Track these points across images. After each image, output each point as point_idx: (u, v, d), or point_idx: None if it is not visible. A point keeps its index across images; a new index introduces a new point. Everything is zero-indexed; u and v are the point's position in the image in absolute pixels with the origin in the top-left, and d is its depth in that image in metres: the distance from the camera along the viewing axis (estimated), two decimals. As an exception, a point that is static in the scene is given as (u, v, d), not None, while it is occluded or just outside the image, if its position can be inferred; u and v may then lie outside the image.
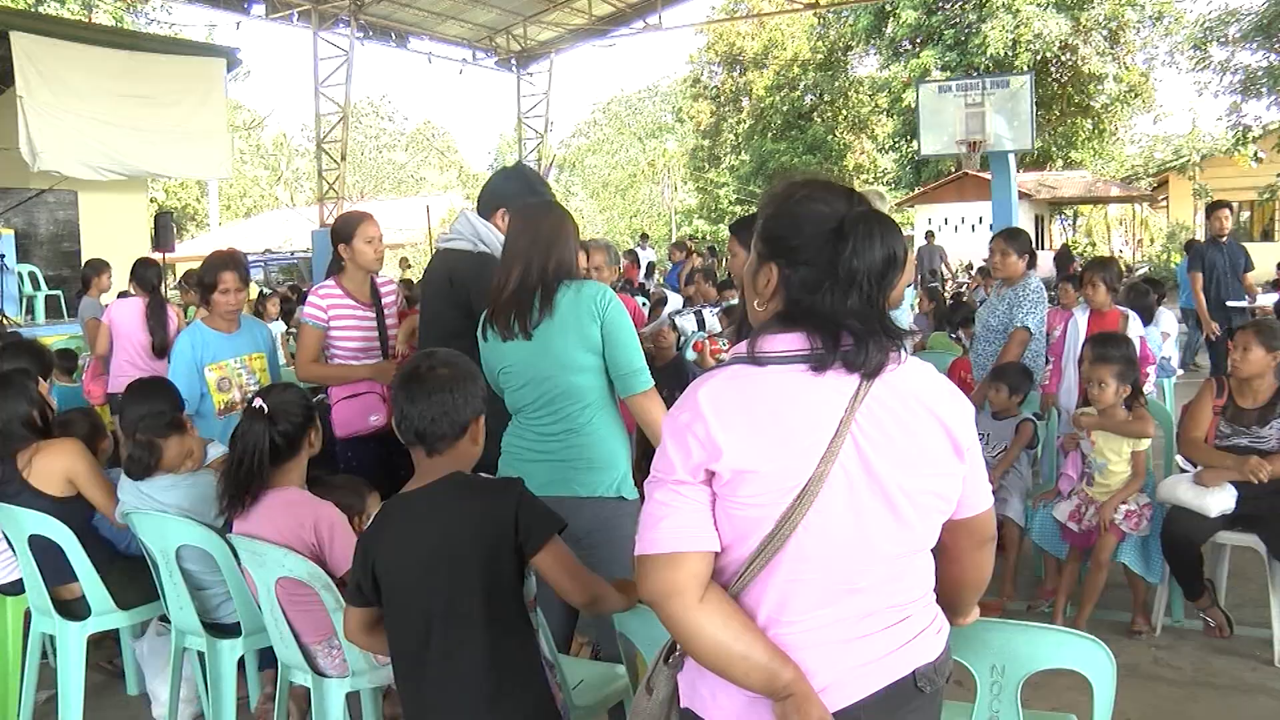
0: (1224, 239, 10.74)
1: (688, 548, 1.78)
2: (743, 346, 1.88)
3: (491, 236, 4.15)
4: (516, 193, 4.22)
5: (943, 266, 23.15)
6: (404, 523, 2.58)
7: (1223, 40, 31.63)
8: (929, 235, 26.29)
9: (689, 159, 52.59)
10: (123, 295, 8.67)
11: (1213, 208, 11.10)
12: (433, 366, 2.62)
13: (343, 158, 21.37)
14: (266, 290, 15.51)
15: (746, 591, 1.84)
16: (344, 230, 4.89)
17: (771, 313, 1.91)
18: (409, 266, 26.20)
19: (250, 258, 22.04)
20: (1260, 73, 30.67)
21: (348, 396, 4.78)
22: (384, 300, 5.01)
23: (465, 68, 24.83)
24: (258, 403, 3.48)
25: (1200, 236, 35.07)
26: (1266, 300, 11.99)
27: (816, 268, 1.84)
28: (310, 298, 4.95)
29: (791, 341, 1.83)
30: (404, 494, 2.65)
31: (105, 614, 4.25)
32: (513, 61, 25.35)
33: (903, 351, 1.88)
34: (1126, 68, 38.30)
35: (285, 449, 3.49)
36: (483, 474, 2.73)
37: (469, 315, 3.79)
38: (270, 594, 3.41)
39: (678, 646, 1.93)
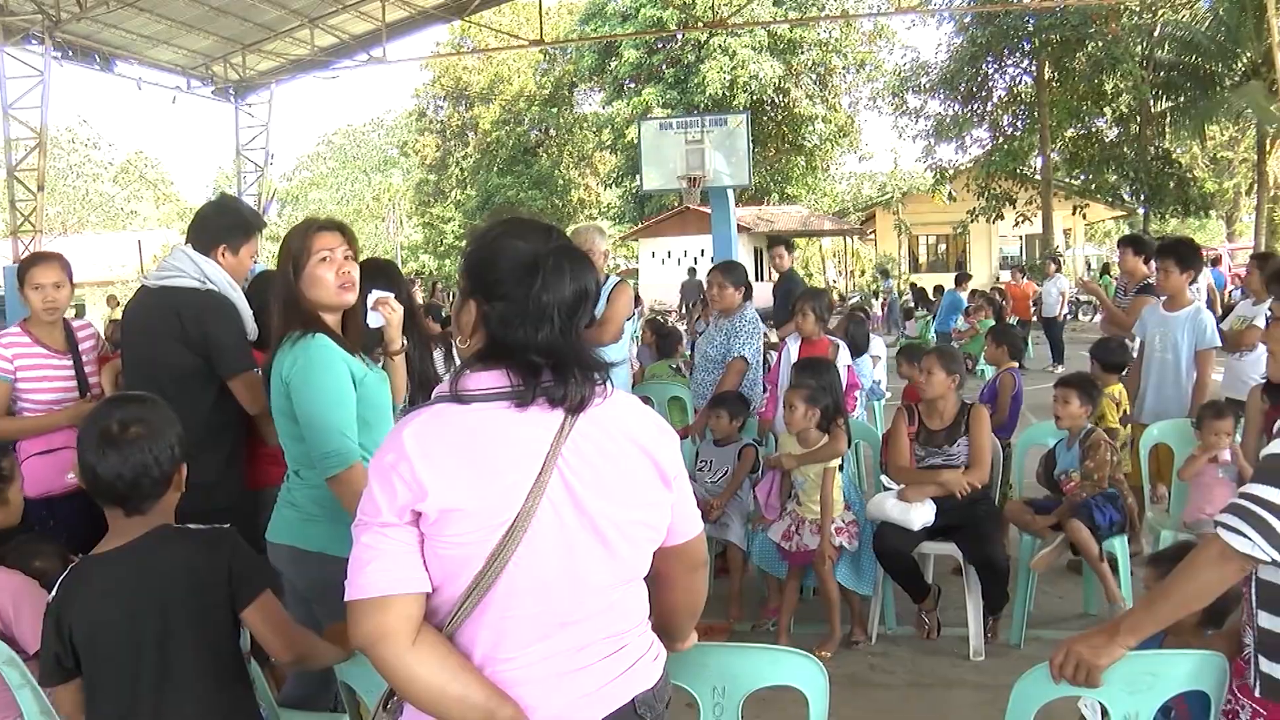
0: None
1: (397, 590, 1.76)
2: (446, 385, 1.88)
3: (217, 273, 3.96)
4: (231, 226, 4.06)
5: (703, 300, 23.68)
6: (105, 582, 2.40)
7: (916, 89, 34.12)
8: (691, 271, 26.92)
9: (415, 193, 52.07)
10: None
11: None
12: (126, 424, 2.41)
13: (40, 188, 19.78)
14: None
15: (460, 631, 1.83)
16: (19, 274, 4.41)
17: (473, 350, 1.92)
18: (118, 304, 24.59)
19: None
20: (948, 120, 33.21)
21: (41, 452, 4.27)
22: (81, 346, 4.51)
23: (179, 96, 23.51)
24: None
25: (905, 269, 37.72)
26: None
27: (513, 303, 1.86)
28: None
29: (493, 379, 1.85)
30: (101, 554, 2.45)
31: None
32: (230, 91, 24.19)
33: (608, 385, 1.91)
34: (835, 110, 40.79)
35: None
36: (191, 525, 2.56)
37: (205, 354, 3.61)
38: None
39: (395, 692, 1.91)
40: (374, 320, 3.43)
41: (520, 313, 1.85)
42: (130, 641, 2.37)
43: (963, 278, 19.22)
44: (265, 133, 25.18)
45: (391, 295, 3.53)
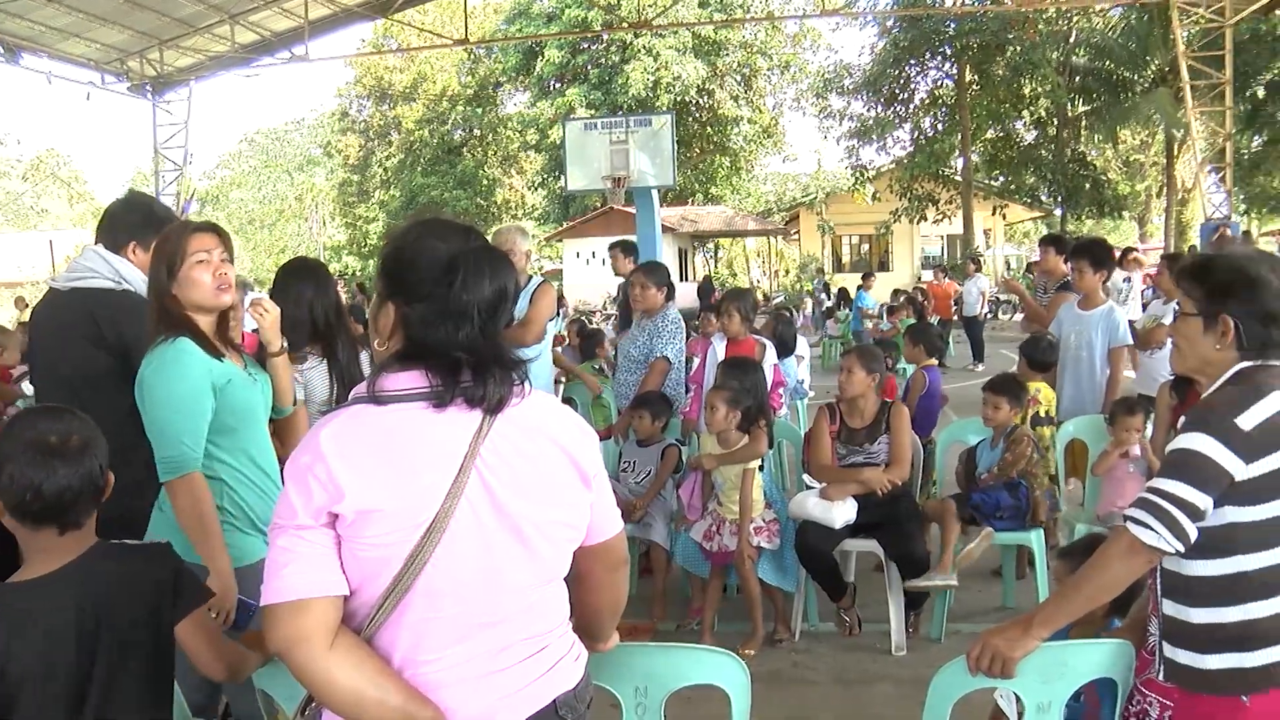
0: None
1: (314, 593, 1.74)
2: (363, 386, 1.87)
3: (132, 273, 3.86)
4: (143, 223, 3.96)
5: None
6: (33, 612, 2.22)
7: (840, 91, 34.51)
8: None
9: (338, 194, 51.50)
10: None
11: None
12: (65, 435, 2.25)
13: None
14: None
15: (379, 633, 1.82)
16: None
17: (392, 351, 1.91)
18: (26, 306, 23.86)
19: None
20: (871, 121, 33.63)
21: None
22: None
23: (93, 92, 22.93)
24: None
25: (828, 269, 38.13)
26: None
27: (432, 304, 1.85)
28: None
29: (411, 379, 1.84)
30: (27, 581, 2.26)
31: None
32: (148, 88, 23.69)
33: (526, 385, 1.92)
34: (759, 111, 41.06)
35: None
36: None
37: (123, 357, 3.53)
38: None
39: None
40: (247, 323, 3.38)
41: (440, 313, 1.84)
42: (63, 674, 2.21)
43: (868, 276, 19.55)
44: (184, 131, 24.73)
45: (265, 296, 3.47)
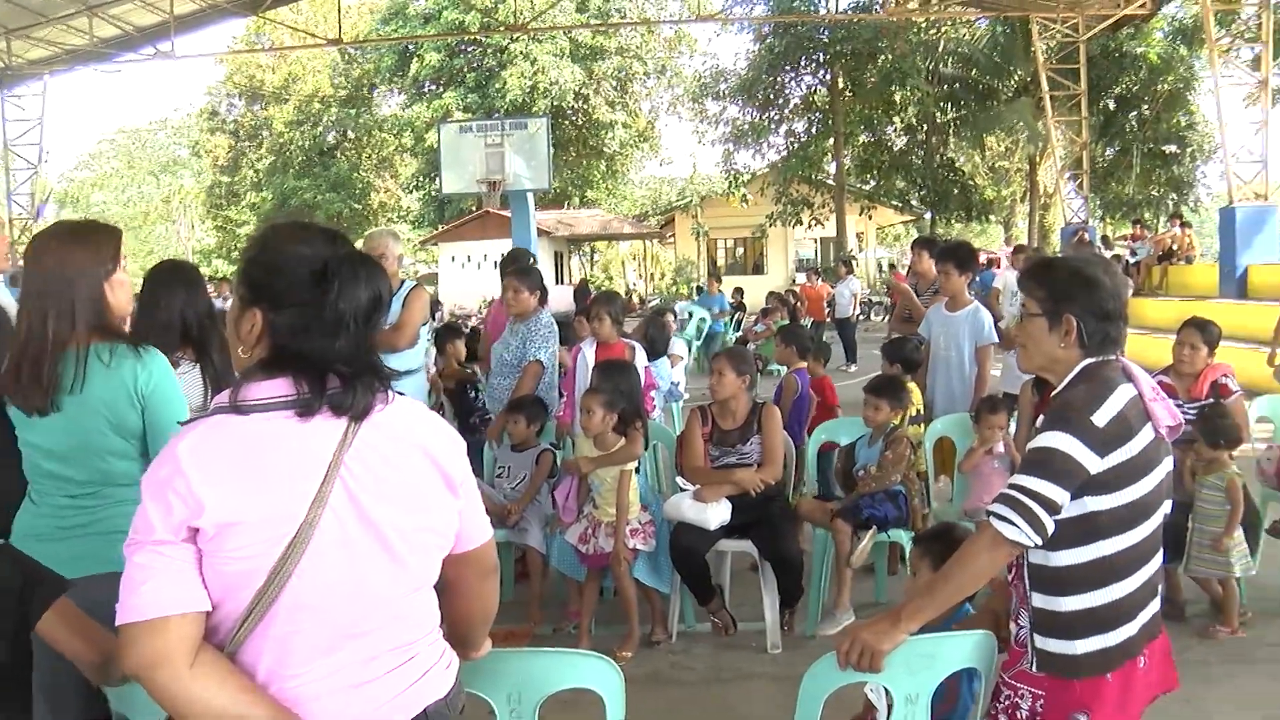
0: None
1: (174, 611, 1.67)
2: (225, 395, 1.81)
3: None
4: None
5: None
6: None
7: (715, 96, 34.90)
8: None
9: (207, 196, 50.13)
10: None
11: None
12: None
13: None
14: None
15: (243, 649, 1.76)
16: None
17: (257, 359, 1.86)
18: None
19: None
20: (745, 126, 34.06)
21: None
22: None
23: (-68, 83, 21.84)
24: None
25: (703, 272, 38.48)
26: None
27: (301, 311, 1.81)
28: None
29: (277, 387, 1.79)
30: None
31: None
32: (-5, 81, 22.67)
33: (390, 391, 1.88)
34: (635, 115, 41.29)
35: None
36: None
37: None
38: None
39: None
40: None
41: (313, 321, 1.80)
42: None
43: (714, 276, 19.84)
44: (39, 127, 23.67)
45: None
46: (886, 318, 25.02)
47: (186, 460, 1.71)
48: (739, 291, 20.40)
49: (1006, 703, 2.56)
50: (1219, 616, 5.21)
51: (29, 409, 2.85)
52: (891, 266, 26.46)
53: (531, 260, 8.05)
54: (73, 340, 2.84)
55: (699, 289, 29.99)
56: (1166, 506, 2.56)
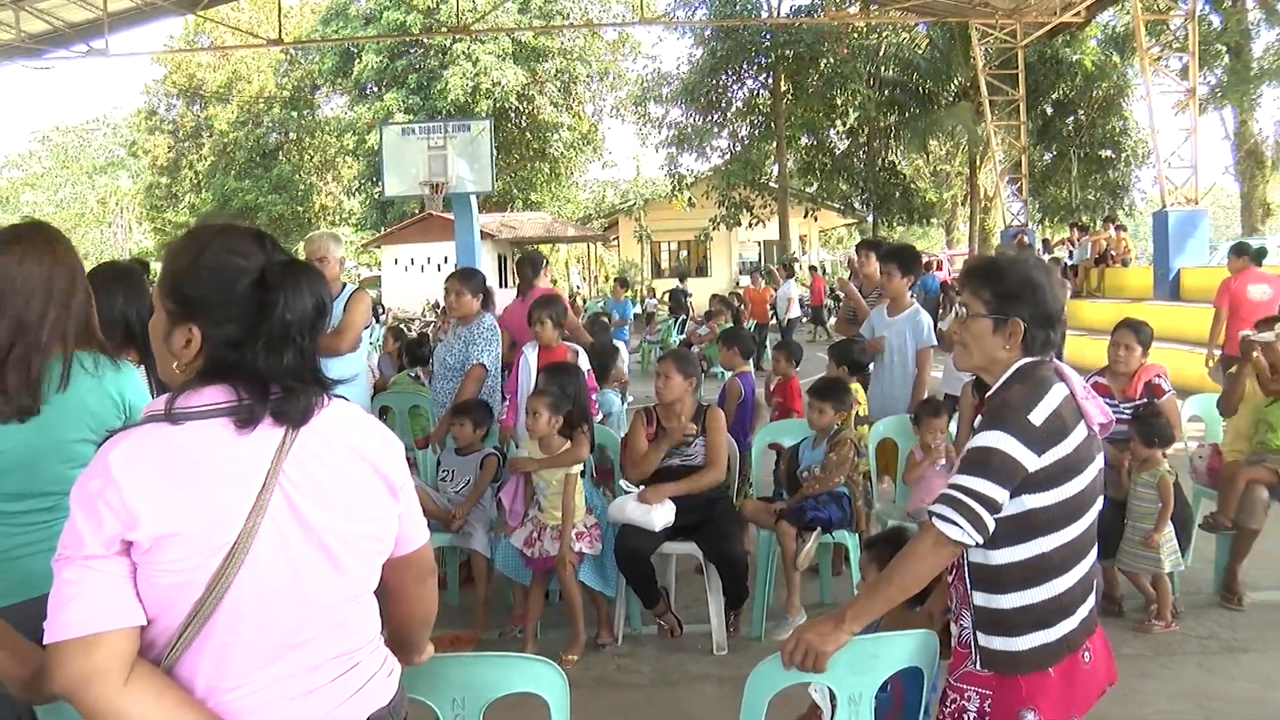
0: None
1: (106, 626, 1.62)
2: (159, 402, 1.75)
3: None
4: None
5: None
6: None
7: (658, 99, 34.92)
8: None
9: (145, 197, 49.26)
10: None
11: None
12: None
13: None
14: None
15: (180, 663, 1.71)
16: None
17: (194, 372, 1.81)
18: None
19: None
20: (689, 130, 34.15)
21: None
22: None
23: None
24: None
25: (647, 274, 38.54)
26: None
27: (241, 324, 1.77)
28: None
29: (214, 395, 1.75)
30: None
31: None
32: (-89, 74, 21.70)
33: (325, 395, 1.85)
34: (579, 118, 41.28)
35: None
36: None
37: None
38: None
39: None
40: None
41: (255, 334, 1.76)
42: None
43: (621, 283, 19.95)
44: (-36, 126, 22.99)
45: None
46: (829, 320, 25.31)
47: (118, 471, 1.65)
48: (681, 294, 20.34)
49: (953, 706, 2.58)
50: (1153, 611, 5.33)
51: (9, 411, 2.68)
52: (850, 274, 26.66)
53: (545, 264, 8.04)
54: (59, 346, 2.75)
55: (651, 290, 29.99)
56: (1100, 503, 2.61)
